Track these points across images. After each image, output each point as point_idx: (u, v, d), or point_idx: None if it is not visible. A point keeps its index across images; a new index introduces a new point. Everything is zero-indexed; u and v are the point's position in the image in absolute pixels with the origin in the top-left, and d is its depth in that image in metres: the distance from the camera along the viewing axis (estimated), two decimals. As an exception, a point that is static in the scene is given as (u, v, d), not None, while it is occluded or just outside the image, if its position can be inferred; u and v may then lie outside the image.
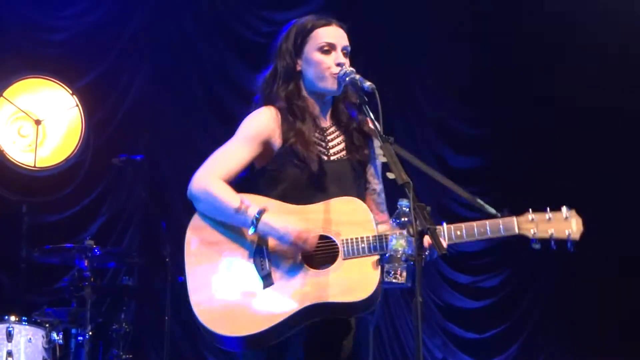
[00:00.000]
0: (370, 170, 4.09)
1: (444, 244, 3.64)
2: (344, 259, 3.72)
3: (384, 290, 3.88)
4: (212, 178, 3.86)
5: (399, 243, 3.49)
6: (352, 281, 3.68)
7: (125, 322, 7.34)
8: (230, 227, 3.82)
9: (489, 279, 9.53)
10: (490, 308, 9.48)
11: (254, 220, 3.71)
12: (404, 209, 3.47)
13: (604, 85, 9.14)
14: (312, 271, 3.73)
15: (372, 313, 3.91)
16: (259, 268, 3.75)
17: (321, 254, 3.77)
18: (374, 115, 3.78)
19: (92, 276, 6.89)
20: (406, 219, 3.46)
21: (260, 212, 3.72)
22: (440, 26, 9.50)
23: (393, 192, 3.66)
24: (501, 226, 3.76)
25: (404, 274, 3.51)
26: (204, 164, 3.93)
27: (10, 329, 6.45)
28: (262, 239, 3.77)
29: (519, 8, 9.43)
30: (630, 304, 8.95)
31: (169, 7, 8.88)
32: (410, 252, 3.47)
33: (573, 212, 3.79)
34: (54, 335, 6.66)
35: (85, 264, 6.87)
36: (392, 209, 3.56)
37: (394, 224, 3.50)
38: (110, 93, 8.59)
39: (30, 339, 6.56)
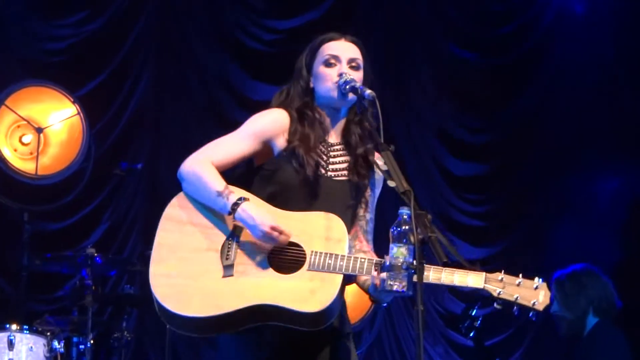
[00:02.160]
0: (366, 200, 4.09)
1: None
2: (308, 270, 3.73)
3: (386, 300, 3.87)
4: (203, 160, 3.92)
5: (400, 251, 3.49)
6: (308, 292, 3.68)
7: (127, 330, 7.33)
8: (209, 211, 3.86)
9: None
10: (493, 316, 9.45)
11: (234, 205, 3.74)
12: (405, 217, 3.47)
13: (606, 91, 9.14)
14: (273, 273, 3.74)
15: (370, 329, 3.93)
16: (224, 257, 3.77)
17: (288, 260, 3.78)
18: (375, 123, 3.78)
19: (93, 284, 6.90)
20: (407, 227, 3.46)
21: (242, 199, 3.75)
22: (442, 34, 9.50)
23: (395, 201, 3.65)
24: (469, 278, 3.71)
25: (405, 282, 3.51)
26: (201, 148, 3.98)
27: (12, 337, 6.44)
28: (236, 230, 3.79)
29: (522, 15, 9.43)
30: (632, 310, 8.92)
31: (170, 15, 8.89)
32: (411, 260, 3.47)
33: (544, 285, 3.73)
34: (56, 343, 6.65)
35: (87, 272, 6.88)
36: (393, 218, 3.55)
37: (395, 232, 3.50)
38: (112, 101, 8.60)
39: (31, 347, 6.55)
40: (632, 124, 9.13)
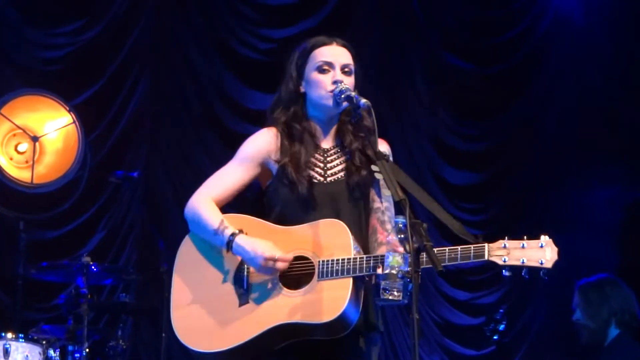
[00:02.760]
0: (373, 191, 4.08)
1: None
2: (318, 280, 3.73)
3: (382, 307, 3.87)
4: (202, 199, 3.93)
5: (395, 260, 3.49)
6: (321, 303, 3.69)
7: (122, 339, 7.32)
8: (215, 246, 3.88)
9: (487, 295, 9.51)
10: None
11: (228, 242, 3.77)
12: (400, 225, 3.47)
13: (603, 98, 9.15)
14: (286, 291, 3.75)
15: (376, 341, 3.93)
16: (237, 286, 3.79)
17: (299, 274, 3.78)
18: (370, 132, 3.79)
19: (89, 293, 6.87)
20: (402, 236, 3.47)
21: (234, 234, 3.77)
22: (438, 42, 9.50)
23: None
24: (472, 252, 3.71)
25: (401, 290, 3.51)
26: (201, 186, 4.00)
27: (7, 346, 6.42)
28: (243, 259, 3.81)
29: (518, 23, 9.44)
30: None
31: (166, 24, 8.90)
32: (406, 269, 3.47)
33: (550, 241, 3.73)
34: (51, 352, 6.64)
35: (83, 281, 6.86)
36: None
37: (390, 240, 3.51)
38: (108, 110, 8.60)
39: (27, 356, 6.52)
40: (630, 131, 9.13)
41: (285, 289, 3.75)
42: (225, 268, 3.84)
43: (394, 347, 9.16)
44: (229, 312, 3.76)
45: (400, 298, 3.51)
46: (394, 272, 3.48)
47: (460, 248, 3.72)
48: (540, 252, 3.69)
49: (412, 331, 3.30)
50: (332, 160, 4.04)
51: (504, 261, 3.68)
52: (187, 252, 3.94)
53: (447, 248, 3.69)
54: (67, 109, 8.28)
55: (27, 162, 8.23)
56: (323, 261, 3.74)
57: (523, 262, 3.67)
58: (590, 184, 9.12)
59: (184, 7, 8.95)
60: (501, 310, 7.06)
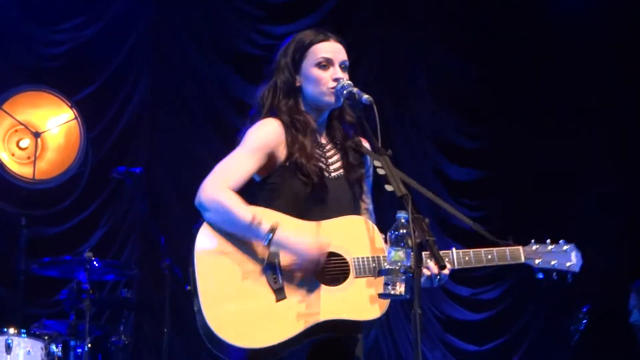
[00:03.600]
0: (365, 189, 4.10)
1: (448, 266, 3.79)
2: (355, 277, 3.74)
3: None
4: (221, 188, 3.80)
5: (398, 255, 3.50)
6: (365, 300, 3.71)
7: (124, 334, 7.33)
8: (240, 238, 3.78)
9: (489, 291, 9.53)
10: (490, 320, 9.47)
11: (269, 235, 3.68)
12: (402, 220, 3.48)
13: (604, 97, 9.16)
14: (324, 287, 3.73)
15: (370, 329, 3.95)
16: (272, 281, 3.72)
17: (332, 271, 3.77)
18: (371, 128, 3.78)
19: (91, 289, 6.89)
20: (404, 231, 3.47)
21: (274, 229, 3.69)
22: (438, 39, 9.51)
23: (392, 204, 3.66)
24: (508, 255, 3.84)
25: (403, 286, 3.52)
26: (212, 173, 3.88)
27: (9, 341, 6.44)
28: (273, 253, 3.73)
29: (519, 21, 9.45)
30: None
31: (167, 20, 8.90)
32: (408, 264, 3.47)
33: (573, 246, 3.88)
34: (53, 347, 6.66)
35: (85, 277, 6.87)
36: (391, 222, 3.56)
37: (392, 236, 3.51)
38: (109, 106, 8.60)
39: (29, 351, 6.54)
40: (631, 131, 9.15)
41: (322, 285, 3.73)
42: (252, 261, 3.74)
43: (396, 343, 9.17)
44: (266, 308, 3.69)
45: (403, 293, 3.52)
46: (396, 267, 3.49)
47: (496, 250, 3.84)
48: (567, 256, 3.84)
49: (413, 326, 3.31)
50: (330, 156, 4.04)
51: (538, 264, 3.82)
52: (207, 244, 3.78)
53: (482, 250, 3.80)
54: (69, 105, 8.29)
55: (29, 158, 8.24)
56: (358, 258, 3.75)
57: (555, 266, 3.81)
58: (590, 182, 9.13)
59: (185, 4, 8.95)
60: (584, 309, 7.03)
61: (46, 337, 6.67)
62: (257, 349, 3.67)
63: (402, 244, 3.49)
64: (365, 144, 4.06)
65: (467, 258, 3.84)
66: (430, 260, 3.71)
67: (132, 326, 8.15)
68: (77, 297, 6.91)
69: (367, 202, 4.11)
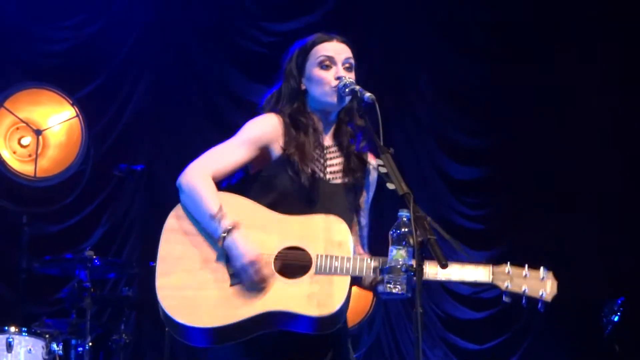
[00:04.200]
0: (362, 204, 4.09)
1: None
2: (315, 274, 3.71)
3: (385, 300, 3.89)
4: (202, 174, 3.85)
5: (399, 254, 3.49)
6: (318, 296, 3.67)
7: (125, 333, 7.33)
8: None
9: (490, 289, 9.49)
10: (491, 319, 9.46)
11: (224, 233, 3.70)
12: (404, 219, 3.47)
13: (606, 92, 9.15)
14: (280, 278, 3.72)
15: (369, 333, 3.93)
16: (230, 266, 3.73)
17: (294, 264, 3.76)
18: (374, 126, 3.77)
19: (92, 287, 6.90)
20: (406, 230, 3.47)
21: (229, 230, 3.69)
22: (440, 38, 9.50)
23: (395, 203, 3.65)
24: (476, 273, 3.77)
25: (404, 284, 3.51)
26: (199, 157, 3.92)
27: (10, 339, 6.45)
28: (226, 247, 3.75)
29: (519, 20, 9.44)
30: (631, 313, 8.93)
31: (168, 18, 8.90)
32: (410, 262, 3.47)
33: (550, 275, 3.78)
34: (54, 346, 6.67)
35: (86, 275, 6.87)
36: (392, 221, 3.56)
37: (394, 234, 3.50)
38: (111, 103, 8.61)
39: (30, 349, 6.56)
40: (634, 126, 9.13)
41: (279, 276, 3.73)
42: (216, 245, 3.76)
43: (397, 342, 9.17)
44: (218, 290, 3.70)
45: (404, 291, 3.51)
46: (398, 265, 3.48)
47: (466, 266, 3.77)
48: (542, 285, 3.75)
49: (415, 325, 3.30)
50: (331, 159, 4.03)
51: (507, 287, 3.75)
52: (176, 222, 3.85)
53: (451, 265, 3.71)
54: (71, 102, 8.29)
55: (30, 155, 8.24)
56: (321, 255, 3.73)
57: (525, 292, 3.74)
58: (593, 179, 9.11)
59: (187, 1, 8.95)
60: (618, 301, 7.01)
61: (47, 336, 6.67)
62: (204, 328, 3.67)
63: (403, 243, 3.49)
64: (372, 160, 4.06)
65: (434, 271, 3.69)
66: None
67: (133, 324, 8.14)
68: (78, 295, 6.91)
69: (361, 216, 4.09)
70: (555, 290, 3.75)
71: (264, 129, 3.95)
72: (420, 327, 3.28)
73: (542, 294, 3.73)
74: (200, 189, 3.83)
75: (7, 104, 8.14)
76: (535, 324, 9.37)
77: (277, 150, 3.95)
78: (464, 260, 3.82)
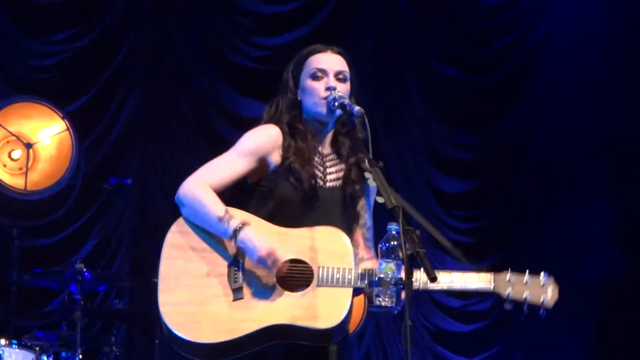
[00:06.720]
0: (363, 205, 4.12)
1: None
2: (317, 286, 3.74)
3: (375, 314, 3.90)
4: (201, 184, 3.86)
5: (389, 267, 3.51)
6: (321, 308, 3.71)
7: (116, 345, 7.33)
8: (209, 236, 3.83)
9: (480, 302, 9.52)
10: (481, 331, 9.47)
11: (235, 231, 3.72)
12: (393, 232, 3.49)
13: (597, 107, 9.17)
14: (283, 292, 3.75)
15: (359, 347, 3.95)
16: (232, 280, 3.76)
17: (296, 277, 3.79)
18: (363, 140, 3.80)
19: (82, 299, 6.90)
20: (395, 243, 3.49)
21: (240, 227, 3.72)
22: (431, 51, 9.53)
23: (385, 217, 3.67)
24: (478, 281, 3.80)
25: (393, 297, 3.53)
26: (197, 171, 3.94)
27: (0, 352, 6.43)
28: (240, 253, 3.78)
29: (511, 32, 9.47)
30: (623, 330, 8.94)
31: (159, 32, 8.91)
32: (399, 276, 3.49)
33: (551, 280, 3.81)
34: (44, 358, 6.65)
35: (76, 288, 6.87)
36: (382, 234, 3.58)
37: (383, 248, 3.52)
38: (101, 117, 8.61)
39: (20, 362, 6.55)
40: (623, 141, 9.16)
41: (281, 289, 3.75)
42: (217, 259, 3.79)
43: (387, 355, 9.17)
44: (221, 305, 3.73)
45: (393, 304, 3.53)
46: (387, 278, 3.50)
47: (467, 274, 3.82)
48: (543, 291, 3.78)
49: (404, 338, 3.31)
50: (330, 166, 4.06)
51: (509, 295, 3.77)
52: (177, 238, 3.85)
53: (452, 272, 3.81)
54: (61, 116, 8.28)
55: (20, 169, 8.23)
56: (323, 268, 3.76)
57: (526, 299, 3.76)
58: (583, 193, 9.13)
59: (177, 15, 8.97)
60: None
61: (37, 348, 6.66)
62: (208, 344, 3.68)
63: (392, 256, 3.50)
64: (366, 175, 4.07)
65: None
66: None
67: (123, 337, 8.14)
68: (69, 308, 6.91)
69: (365, 217, 4.12)
70: (556, 296, 3.78)
71: (262, 140, 3.98)
72: (409, 340, 3.29)
73: (543, 301, 3.76)
74: (202, 197, 3.83)
75: (-3, 117, 8.14)
76: (525, 337, 9.39)
77: (276, 160, 3.98)
78: (465, 268, 3.84)
